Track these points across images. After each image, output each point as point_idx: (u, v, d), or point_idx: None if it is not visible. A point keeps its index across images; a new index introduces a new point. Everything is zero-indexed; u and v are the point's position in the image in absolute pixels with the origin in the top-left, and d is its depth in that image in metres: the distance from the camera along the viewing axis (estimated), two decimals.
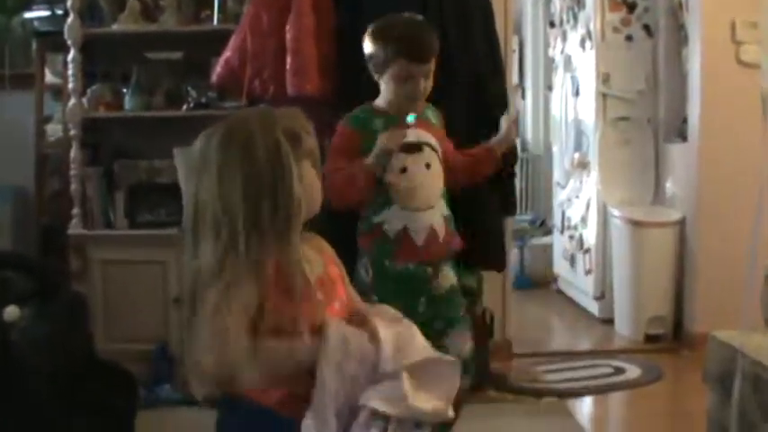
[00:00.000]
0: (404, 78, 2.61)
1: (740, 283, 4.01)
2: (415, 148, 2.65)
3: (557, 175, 6.26)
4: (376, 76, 2.69)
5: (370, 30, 2.70)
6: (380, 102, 2.72)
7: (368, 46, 2.67)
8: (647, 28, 5.27)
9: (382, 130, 2.62)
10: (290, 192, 1.58)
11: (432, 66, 2.64)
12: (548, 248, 6.36)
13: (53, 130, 4.76)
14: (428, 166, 2.66)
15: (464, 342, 2.74)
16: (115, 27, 4.27)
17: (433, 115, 2.78)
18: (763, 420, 2.57)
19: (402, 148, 2.60)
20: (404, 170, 2.63)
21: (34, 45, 4.69)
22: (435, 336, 2.35)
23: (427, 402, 1.63)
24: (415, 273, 2.67)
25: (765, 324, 2.97)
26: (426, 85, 2.64)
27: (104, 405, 2.95)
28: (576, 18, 5.70)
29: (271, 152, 1.58)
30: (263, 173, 1.57)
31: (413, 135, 2.64)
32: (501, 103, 3.64)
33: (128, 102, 4.30)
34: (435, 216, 2.67)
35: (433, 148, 2.69)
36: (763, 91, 3.51)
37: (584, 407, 4.01)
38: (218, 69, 3.76)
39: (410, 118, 2.62)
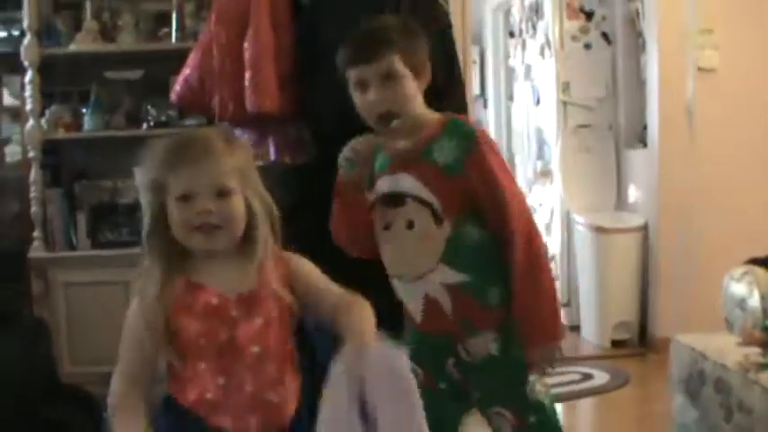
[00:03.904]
0: (359, 87, 2.05)
1: (703, 287, 4.06)
2: (391, 200, 2.03)
3: (520, 184, 6.28)
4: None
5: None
6: None
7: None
8: (605, 36, 5.32)
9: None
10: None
11: (390, 67, 2.03)
12: None
13: (12, 152, 4.72)
14: (410, 224, 2.00)
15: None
16: (73, 47, 4.24)
17: (447, 149, 2.04)
18: (726, 421, 2.59)
19: (381, 200, 2.05)
20: (387, 227, 2.05)
21: None
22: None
23: None
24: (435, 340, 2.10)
25: (727, 326, 3.00)
26: (388, 94, 2.02)
27: (66, 429, 2.92)
28: (534, 28, 5.74)
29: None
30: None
31: (388, 182, 2.04)
32: (461, 114, 3.65)
33: (87, 122, 4.27)
34: (431, 286, 2.02)
35: (424, 201, 2.00)
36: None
37: None
38: (177, 88, 3.71)
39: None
